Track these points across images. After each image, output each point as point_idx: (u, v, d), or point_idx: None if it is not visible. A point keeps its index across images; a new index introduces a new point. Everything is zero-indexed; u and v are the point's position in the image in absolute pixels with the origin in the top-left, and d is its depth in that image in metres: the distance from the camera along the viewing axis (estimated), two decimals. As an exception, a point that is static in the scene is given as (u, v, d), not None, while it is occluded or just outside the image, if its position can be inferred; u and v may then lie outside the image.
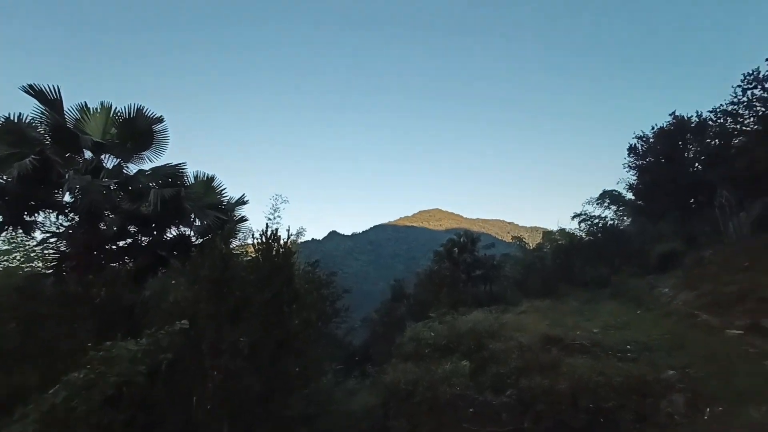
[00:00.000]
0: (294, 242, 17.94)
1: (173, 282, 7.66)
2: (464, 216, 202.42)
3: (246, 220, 11.13)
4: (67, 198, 8.14)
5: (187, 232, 10.05)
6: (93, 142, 8.30)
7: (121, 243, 9.26)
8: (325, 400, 9.05)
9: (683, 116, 21.06)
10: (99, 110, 8.79)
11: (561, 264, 23.94)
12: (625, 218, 29.06)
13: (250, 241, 10.80)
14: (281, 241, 8.19)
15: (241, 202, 11.02)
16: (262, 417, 6.49)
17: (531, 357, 9.79)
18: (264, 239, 8.08)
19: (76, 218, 8.23)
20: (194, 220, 9.82)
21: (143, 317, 6.47)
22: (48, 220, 8.48)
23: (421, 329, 14.19)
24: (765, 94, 15.84)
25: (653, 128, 22.11)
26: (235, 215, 10.90)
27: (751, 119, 16.43)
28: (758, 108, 15.97)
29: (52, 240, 8.55)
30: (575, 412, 7.47)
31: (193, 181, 10.03)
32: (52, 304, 6.20)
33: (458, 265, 25.20)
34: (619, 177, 25.71)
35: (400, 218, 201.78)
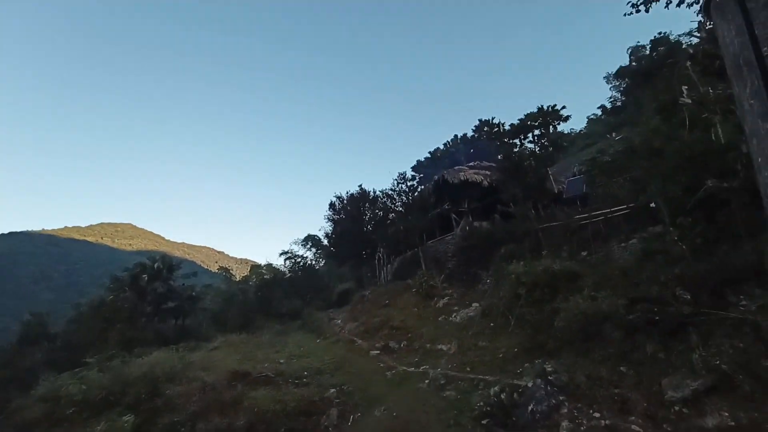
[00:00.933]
0: None
1: None
2: (166, 237, 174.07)
3: None
4: None
5: None
6: None
7: None
8: None
9: (365, 189, 28.69)
10: None
11: (262, 297, 24.86)
12: (321, 260, 34.53)
13: None
14: None
15: None
16: None
17: (214, 396, 9.13)
18: None
19: None
20: None
21: None
22: None
23: (65, 382, 10.36)
24: (407, 189, 24.44)
25: (347, 192, 28.60)
26: None
27: (399, 203, 24.60)
28: (403, 197, 24.30)
29: None
30: (248, 447, 7.45)
31: None
32: None
33: (145, 294, 20.87)
34: (321, 225, 31.11)
35: (65, 227, 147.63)
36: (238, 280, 31.95)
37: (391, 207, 25.20)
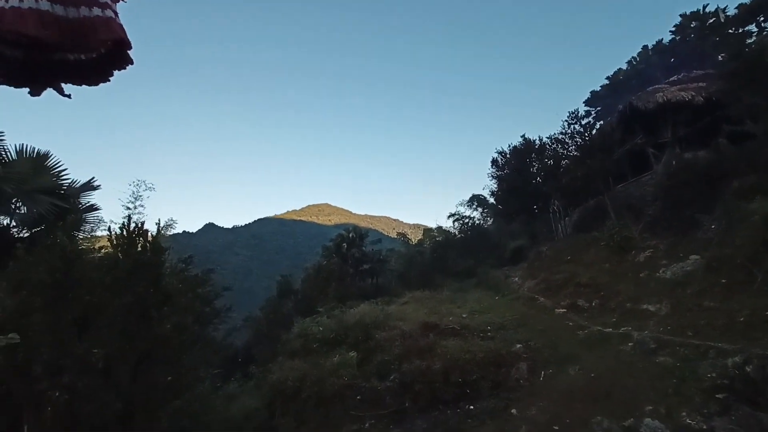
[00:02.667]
0: (163, 236, 15.59)
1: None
2: (353, 212, 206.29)
3: (97, 209, 9.20)
4: None
5: (6, 222, 7.82)
6: None
7: None
8: (201, 409, 8.18)
9: (530, 139, 26.01)
10: None
11: (438, 257, 26.70)
12: (488, 218, 34.06)
13: (99, 233, 9.02)
14: (148, 235, 7.08)
15: (90, 186, 9.06)
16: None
17: (411, 343, 10.70)
18: (125, 233, 6.85)
19: None
20: (19, 208, 7.71)
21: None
22: None
23: (309, 324, 14.04)
24: (581, 129, 20.76)
25: (509, 146, 26.65)
26: (80, 203, 8.92)
27: (573, 147, 21.28)
28: (577, 139, 20.83)
29: None
30: (447, 387, 8.53)
31: (15, 158, 7.81)
32: None
33: (347, 259, 25.73)
34: (485, 183, 30.38)
35: (288, 212, 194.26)
36: (414, 243, 35.11)
37: (562, 153, 22.13)
